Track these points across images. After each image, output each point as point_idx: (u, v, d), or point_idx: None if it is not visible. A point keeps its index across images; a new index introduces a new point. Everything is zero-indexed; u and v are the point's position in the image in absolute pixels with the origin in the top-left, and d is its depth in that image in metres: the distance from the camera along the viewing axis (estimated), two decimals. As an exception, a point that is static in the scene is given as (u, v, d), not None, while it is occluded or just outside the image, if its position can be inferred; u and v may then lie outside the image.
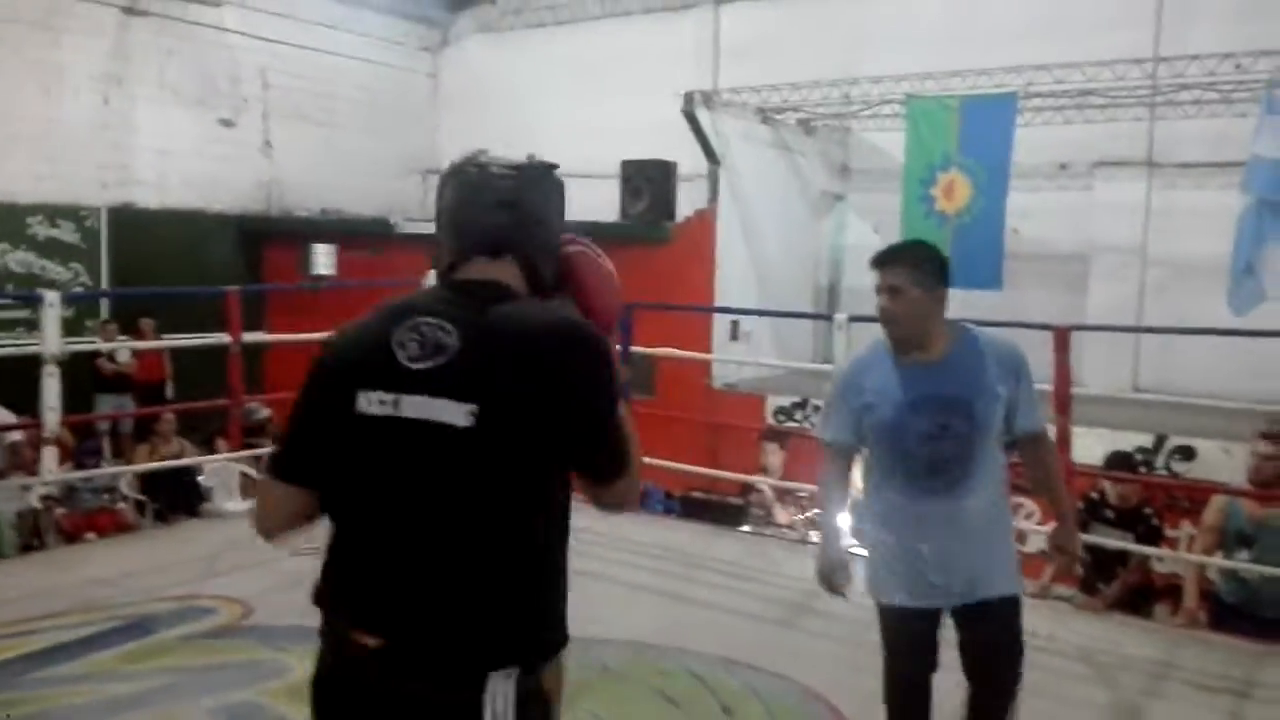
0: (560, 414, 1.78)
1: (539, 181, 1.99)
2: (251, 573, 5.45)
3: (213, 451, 8.76)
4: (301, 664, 3.91)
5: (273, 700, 4.08)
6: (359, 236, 13.36)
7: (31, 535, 7.55)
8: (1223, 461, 8.17)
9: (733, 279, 11.47)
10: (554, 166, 2.03)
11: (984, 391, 3.13)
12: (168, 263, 12.29)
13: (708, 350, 10.53)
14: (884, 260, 3.22)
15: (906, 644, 3.30)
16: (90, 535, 7.72)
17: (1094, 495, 6.28)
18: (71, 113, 12.36)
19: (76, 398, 8.03)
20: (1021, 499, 6.87)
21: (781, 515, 7.72)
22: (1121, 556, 6.12)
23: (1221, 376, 8.65)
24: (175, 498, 8.53)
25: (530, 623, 1.82)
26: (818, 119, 12.72)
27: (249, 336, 7.01)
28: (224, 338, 6.88)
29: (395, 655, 1.77)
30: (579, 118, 13.07)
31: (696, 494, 7.93)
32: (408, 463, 1.80)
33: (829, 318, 7.19)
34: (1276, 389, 8.46)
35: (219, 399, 7.15)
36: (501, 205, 1.93)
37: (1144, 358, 10.81)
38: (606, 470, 1.87)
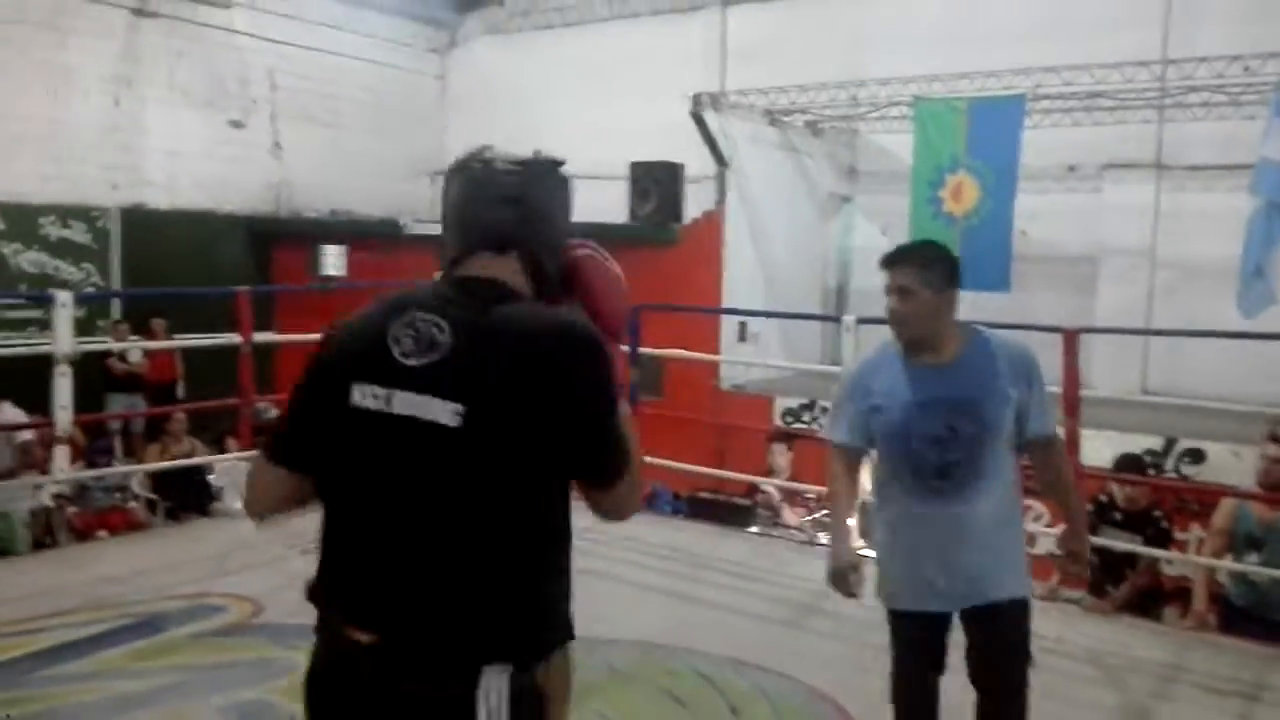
0: (553, 416, 1.76)
1: (544, 177, 1.97)
2: (262, 571, 5.47)
3: (223, 451, 8.77)
4: (311, 662, 3.92)
5: (282, 698, 4.09)
6: (368, 237, 13.39)
7: (43, 533, 7.60)
8: (1232, 464, 8.14)
9: (740, 280, 11.48)
10: (560, 163, 2.01)
11: (994, 394, 3.10)
12: (178, 263, 12.32)
13: (716, 351, 10.54)
14: (893, 260, 3.19)
15: (913, 647, 3.28)
16: (102, 533, 7.77)
17: (1103, 498, 6.27)
18: (82, 114, 12.38)
19: (88, 397, 8.05)
20: (1030, 501, 6.86)
21: (790, 516, 7.73)
22: (1130, 559, 6.11)
23: (1231, 379, 8.63)
24: (186, 497, 8.57)
25: (524, 620, 1.80)
26: (825, 121, 12.71)
27: (259, 336, 7.03)
28: (234, 338, 6.90)
29: (388, 651, 1.76)
30: (587, 119, 13.06)
31: (704, 494, 7.94)
32: (397, 459, 1.79)
33: (837, 319, 7.19)
34: (1286, 392, 8.45)
35: (229, 399, 7.16)
36: (506, 201, 1.91)
37: (1153, 360, 10.77)
38: (603, 475, 1.85)
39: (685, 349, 8.38)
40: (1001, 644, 3.19)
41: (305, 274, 12.93)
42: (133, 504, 8.63)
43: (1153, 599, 6.30)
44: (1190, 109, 10.33)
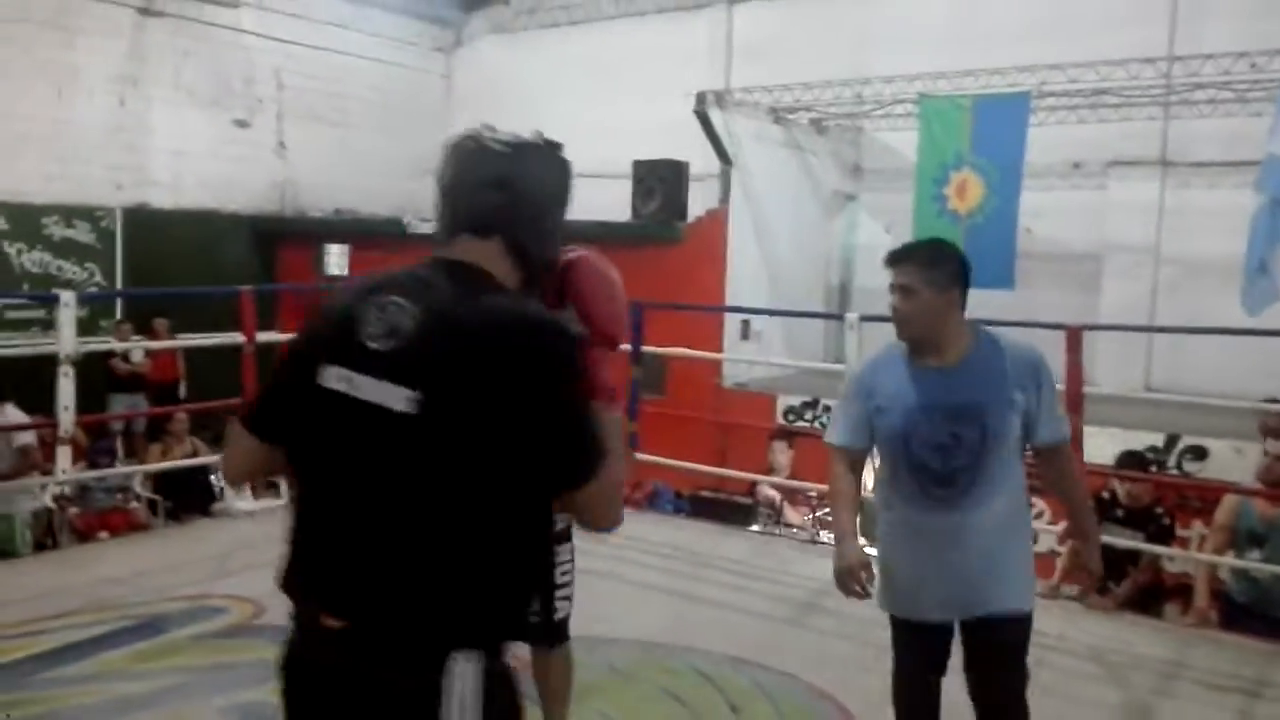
0: (510, 409, 1.71)
1: (536, 160, 1.92)
2: (263, 572, 5.39)
3: (225, 451, 8.79)
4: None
5: (283, 699, 4.08)
6: (372, 237, 13.40)
7: (45, 534, 7.60)
8: (1234, 461, 8.14)
9: (744, 278, 11.47)
10: (557, 145, 1.96)
11: (999, 399, 3.01)
12: (182, 263, 12.35)
13: (719, 349, 10.53)
14: (896, 259, 3.11)
15: (914, 651, 3.24)
16: (103, 534, 7.76)
17: (1105, 494, 6.26)
18: (87, 114, 12.42)
19: (90, 397, 8.06)
20: (1032, 498, 6.85)
21: (791, 514, 7.72)
22: (1132, 556, 6.11)
23: (1234, 376, 8.61)
24: (188, 497, 8.58)
25: (491, 609, 1.78)
26: (830, 119, 12.70)
27: (263, 336, 7.03)
28: (238, 337, 6.90)
29: (357, 637, 1.75)
30: (592, 118, 13.03)
31: (705, 493, 7.94)
32: (357, 443, 1.78)
33: (840, 317, 7.18)
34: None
35: (232, 399, 7.16)
36: (494, 183, 1.87)
37: (1156, 357, 10.77)
38: (568, 475, 1.78)
39: (688, 347, 8.37)
40: (1000, 661, 3.11)
41: (309, 273, 12.93)
42: (134, 505, 8.63)
43: (1154, 596, 6.31)
44: (1196, 106, 10.31)
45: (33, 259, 12.02)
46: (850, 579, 3.13)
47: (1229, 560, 5.73)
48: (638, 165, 11.65)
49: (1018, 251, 9.67)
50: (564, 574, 3.34)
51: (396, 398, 1.74)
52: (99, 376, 10.65)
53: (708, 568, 6.10)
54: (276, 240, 14.14)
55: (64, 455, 6.34)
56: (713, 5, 13.84)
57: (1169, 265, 11.00)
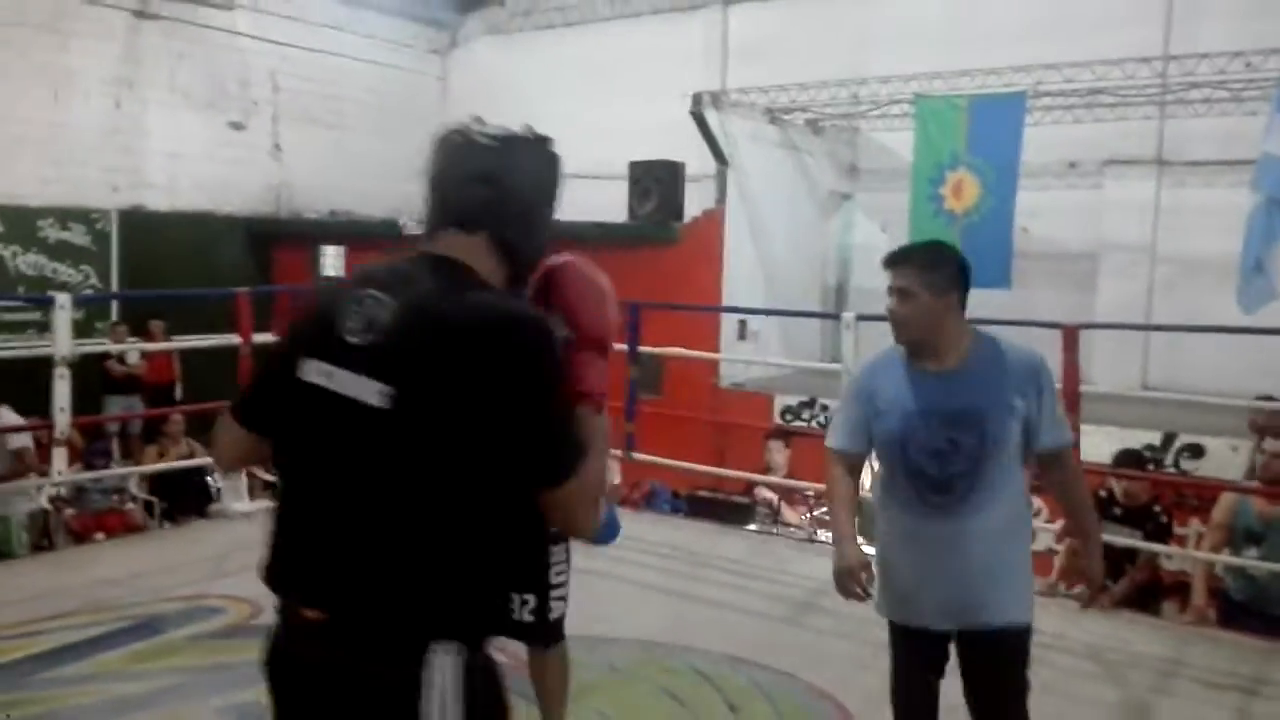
0: (483, 406, 1.70)
1: (525, 155, 1.91)
2: (259, 573, 5.45)
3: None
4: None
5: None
6: (368, 238, 13.38)
7: (41, 536, 7.58)
8: (1231, 459, 8.15)
9: (740, 279, 11.47)
10: (546, 139, 1.94)
11: (998, 404, 2.95)
12: (178, 265, 12.34)
13: (715, 349, 10.52)
14: (894, 261, 3.06)
15: (912, 655, 3.21)
16: (99, 536, 7.75)
17: (1102, 493, 6.26)
18: (82, 116, 12.40)
19: (86, 399, 8.05)
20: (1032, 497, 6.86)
21: (789, 514, 7.72)
22: (1130, 554, 6.10)
23: (1231, 374, 8.62)
24: (184, 498, 8.56)
25: (468, 602, 1.78)
26: (826, 119, 12.70)
27: (258, 338, 7.02)
28: (233, 339, 6.90)
29: (336, 629, 1.75)
30: (587, 119, 13.02)
31: (703, 493, 7.93)
32: (335, 436, 1.79)
33: (836, 317, 7.18)
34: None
35: (228, 400, 7.14)
36: (480, 178, 1.86)
37: (1153, 356, 10.78)
38: (543, 474, 1.76)
39: (685, 347, 8.38)
40: (997, 674, 3.07)
41: (305, 275, 12.92)
42: (130, 506, 8.62)
43: (1152, 594, 6.30)
44: (1192, 105, 10.33)
45: (28, 261, 12.00)
46: (850, 580, 3.10)
47: (1226, 558, 5.73)
48: (634, 166, 11.65)
49: (1014, 251, 9.68)
50: (559, 574, 3.33)
51: (371, 392, 1.74)
52: (95, 378, 10.65)
53: (706, 567, 6.10)
54: (272, 242, 14.12)
55: (60, 457, 6.33)
56: (708, 6, 13.84)
57: (1165, 264, 11.01)
